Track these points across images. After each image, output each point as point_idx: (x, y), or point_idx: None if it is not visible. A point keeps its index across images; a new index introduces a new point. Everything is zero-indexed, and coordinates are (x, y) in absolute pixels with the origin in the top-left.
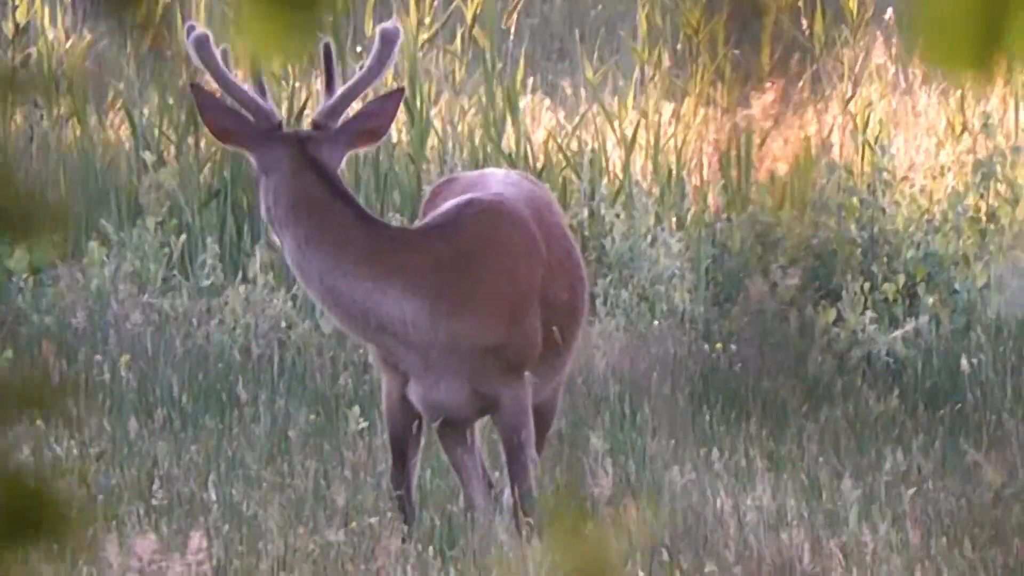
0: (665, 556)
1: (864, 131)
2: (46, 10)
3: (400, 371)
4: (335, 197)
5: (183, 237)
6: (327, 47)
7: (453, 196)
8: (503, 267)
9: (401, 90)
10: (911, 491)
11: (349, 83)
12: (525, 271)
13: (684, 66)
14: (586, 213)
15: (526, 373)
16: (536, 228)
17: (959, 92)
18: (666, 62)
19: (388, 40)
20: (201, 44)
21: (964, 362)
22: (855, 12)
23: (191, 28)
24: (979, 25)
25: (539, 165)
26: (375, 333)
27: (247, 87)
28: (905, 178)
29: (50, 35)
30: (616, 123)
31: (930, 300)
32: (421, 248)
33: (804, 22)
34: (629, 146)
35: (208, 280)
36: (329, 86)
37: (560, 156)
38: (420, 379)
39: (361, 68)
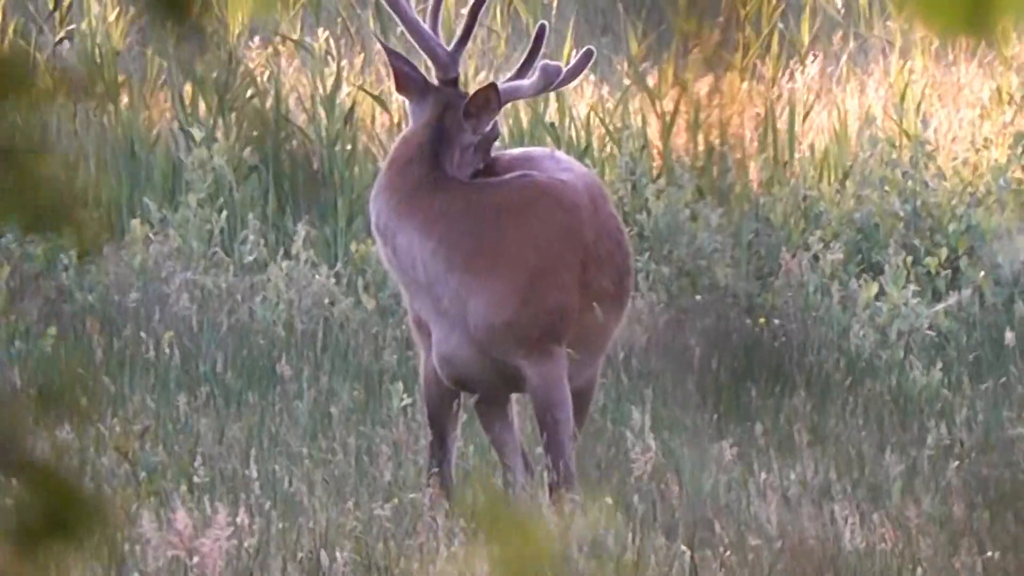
0: (710, 530)
1: (902, 103)
2: None
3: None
4: (428, 146)
5: (224, 214)
6: (541, 27)
7: (496, 175)
8: (531, 239)
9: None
10: (955, 465)
11: (511, 84)
12: (557, 253)
13: (727, 39)
14: (628, 187)
15: (560, 350)
16: (589, 217)
17: (1001, 64)
18: (709, 35)
19: (548, 74)
20: None
21: (1008, 335)
22: None
23: None
24: None
25: (581, 140)
26: (397, 269)
27: (431, 34)
28: (947, 151)
29: (95, 11)
30: (657, 98)
31: (973, 273)
32: (454, 194)
33: None
34: (670, 120)
35: (251, 256)
36: (528, 63)
37: (602, 131)
38: (434, 329)
39: (526, 72)
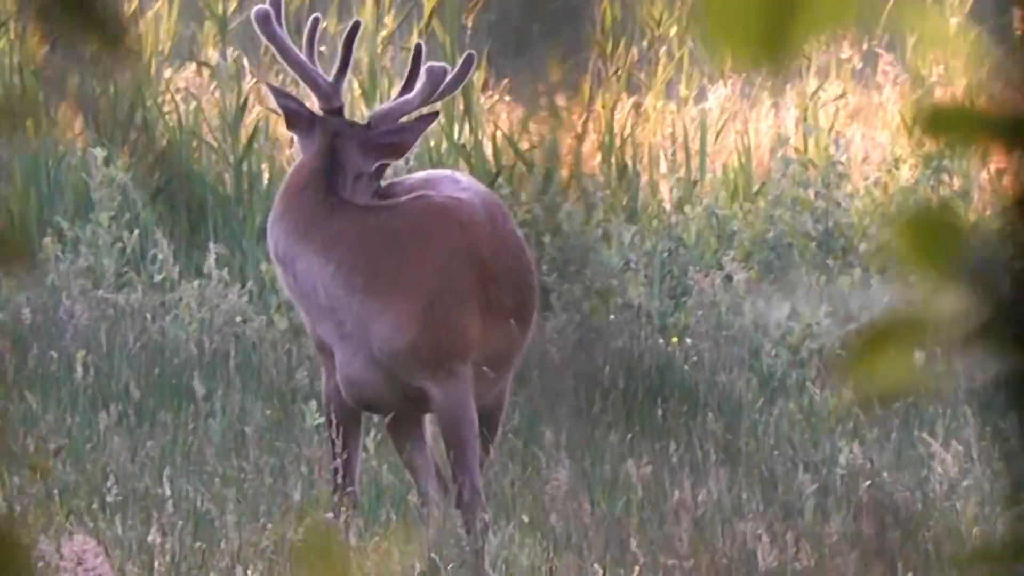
0: (623, 549)
1: (815, 123)
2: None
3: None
4: (320, 173)
5: (135, 232)
6: (418, 47)
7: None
8: (429, 260)
9: (435, 113)
10: (866, 484)
11: (397, 101)
12: (455, 273)
13: (645, 60)
14: (541, 207)
15: (464, 369)
16: (487, 235)
17: (915, 85)
18: (626, 56)
19: (433, 76)
20: (266, 20)
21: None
22: None
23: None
24: (764, 20)
25: (493, 162)
26: (299, 295)
27: (311, 66)
28: (859, 171)
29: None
30: (572, 117)
31: (885, 292)
32: (351, 217)
33: None
34: (582, 139)
35: (160, 275)
36: (410, 82)
37: (513, 151)
38: (337, 352)
39: (410, 91)
